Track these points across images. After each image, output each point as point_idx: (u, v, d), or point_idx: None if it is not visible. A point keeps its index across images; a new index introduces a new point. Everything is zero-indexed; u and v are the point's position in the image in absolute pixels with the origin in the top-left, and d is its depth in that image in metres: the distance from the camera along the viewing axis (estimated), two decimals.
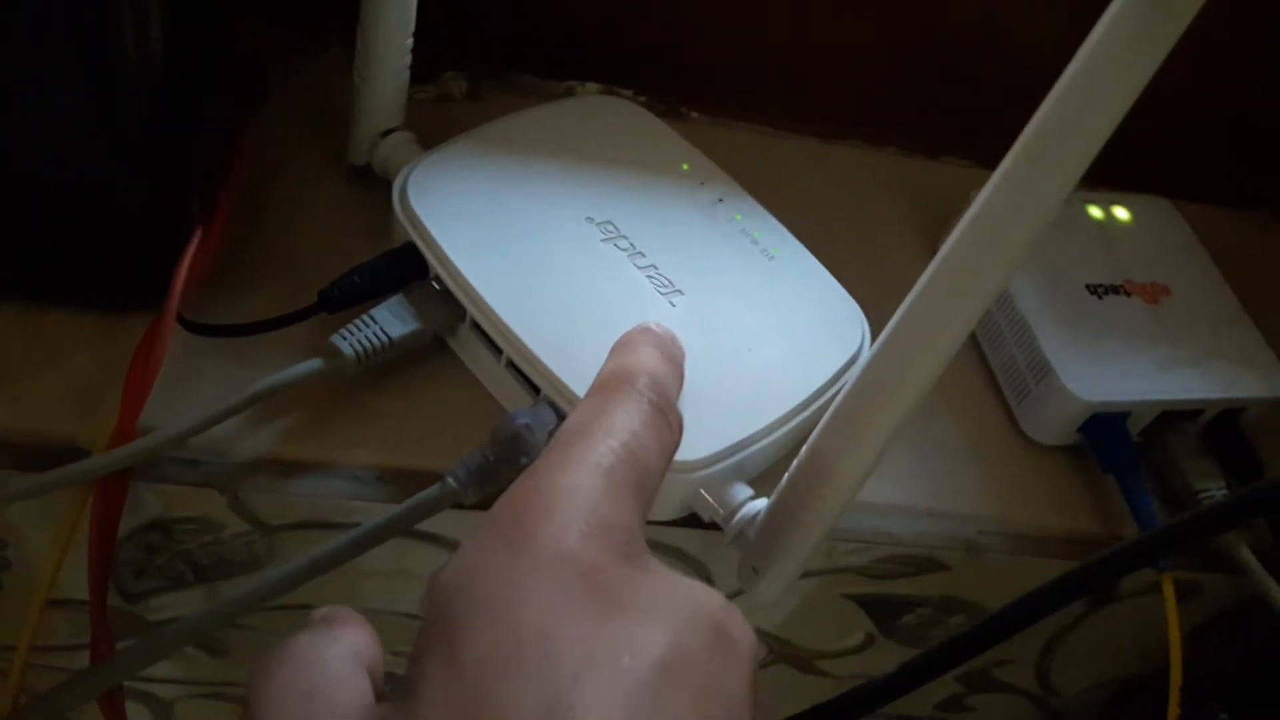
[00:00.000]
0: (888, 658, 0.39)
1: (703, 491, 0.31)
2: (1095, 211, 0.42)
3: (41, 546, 0.31)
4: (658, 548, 0.34)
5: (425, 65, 0.37)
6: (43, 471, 0.28)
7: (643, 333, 0.27)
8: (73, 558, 0.29)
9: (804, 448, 0.27)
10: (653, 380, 0.24)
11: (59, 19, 0.26)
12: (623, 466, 0.20)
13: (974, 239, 0.22)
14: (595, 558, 0.18)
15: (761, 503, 0.30)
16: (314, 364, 0.30)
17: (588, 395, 0.24)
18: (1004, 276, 0.22)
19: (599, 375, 0.25)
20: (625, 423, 0.21)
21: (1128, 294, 0.40)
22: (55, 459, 0.29)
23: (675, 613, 0.18)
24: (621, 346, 0.27)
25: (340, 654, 0.18)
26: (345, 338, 0.31)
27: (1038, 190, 0.21)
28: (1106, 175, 0.46)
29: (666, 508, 0.31)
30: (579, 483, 0.19)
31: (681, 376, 0.27)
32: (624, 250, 0.34)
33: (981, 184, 0.22)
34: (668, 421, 0.23)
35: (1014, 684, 0.43)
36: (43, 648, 0.35)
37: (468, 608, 0.17)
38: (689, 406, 0.31)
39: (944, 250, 0.22)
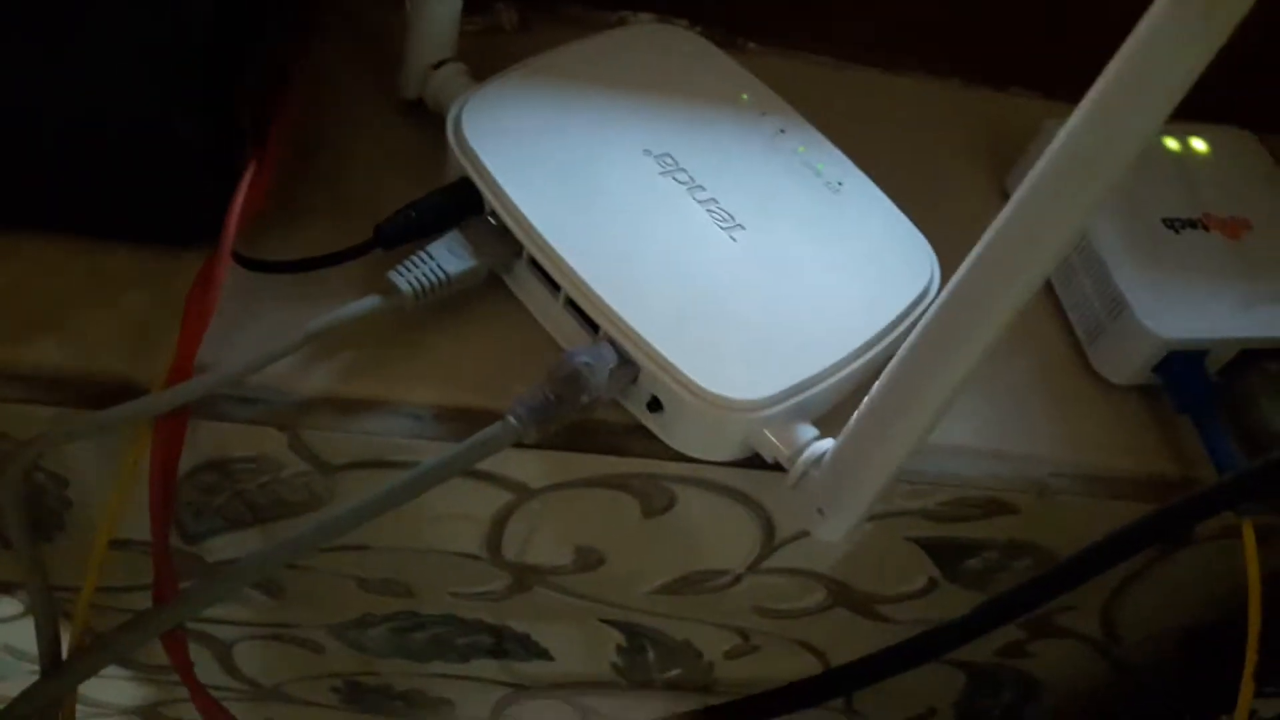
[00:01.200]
0: (950, 602, 0.39)
1: (766, 431, 0.30)
2: (1171, 143, 0.40)
3: (102, 485, 0.31)
4: (719, 489, 0.33)
5: None
6: (100, 409, 0.28)
7: None
8: (134, 500, 0.29)
9: (875, 386, 0.26)
10: None
11: None
12: None
13: (1057, 173, 0.21)
14: None
15: (827, 443, 0.29)
16: (372, 301, 0.30)
17: None
18: (1087, 213, 0.21)
19: None
20: None
21: (1206, 228, 0.38)
22: (112, 397, 0.28)
23: None
24: None
25: None
26: (402, 274, 0.30)
27: (1126, 124, 0.20)
28: (1183, 104, 0.45)
29: (728, 448, 0.31)
30: None
31: None
32: (683, 184, 0.33)
33: (1048, 116, 0.21)
34: None
35: (1077, 630, 0.43)
36: (106, 588, 0.35)
37: None
38: (754, 343, 0.30)
39: (1025, 185, 0.21)
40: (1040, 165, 0.21)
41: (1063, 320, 0.37)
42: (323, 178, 0.34)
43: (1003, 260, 0.22)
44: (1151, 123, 0.19)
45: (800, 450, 0.29)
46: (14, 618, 0.40)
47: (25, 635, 0.40)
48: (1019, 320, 0.31)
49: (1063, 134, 0.20)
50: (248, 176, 0.30)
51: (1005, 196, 0.41)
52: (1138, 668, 0.45)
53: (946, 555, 0.37)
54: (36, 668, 0.30)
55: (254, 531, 0.34)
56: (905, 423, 0.25)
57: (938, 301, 0.24)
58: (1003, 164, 0.41)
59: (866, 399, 0.26)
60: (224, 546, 0.34)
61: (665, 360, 0.29)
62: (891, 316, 0.32)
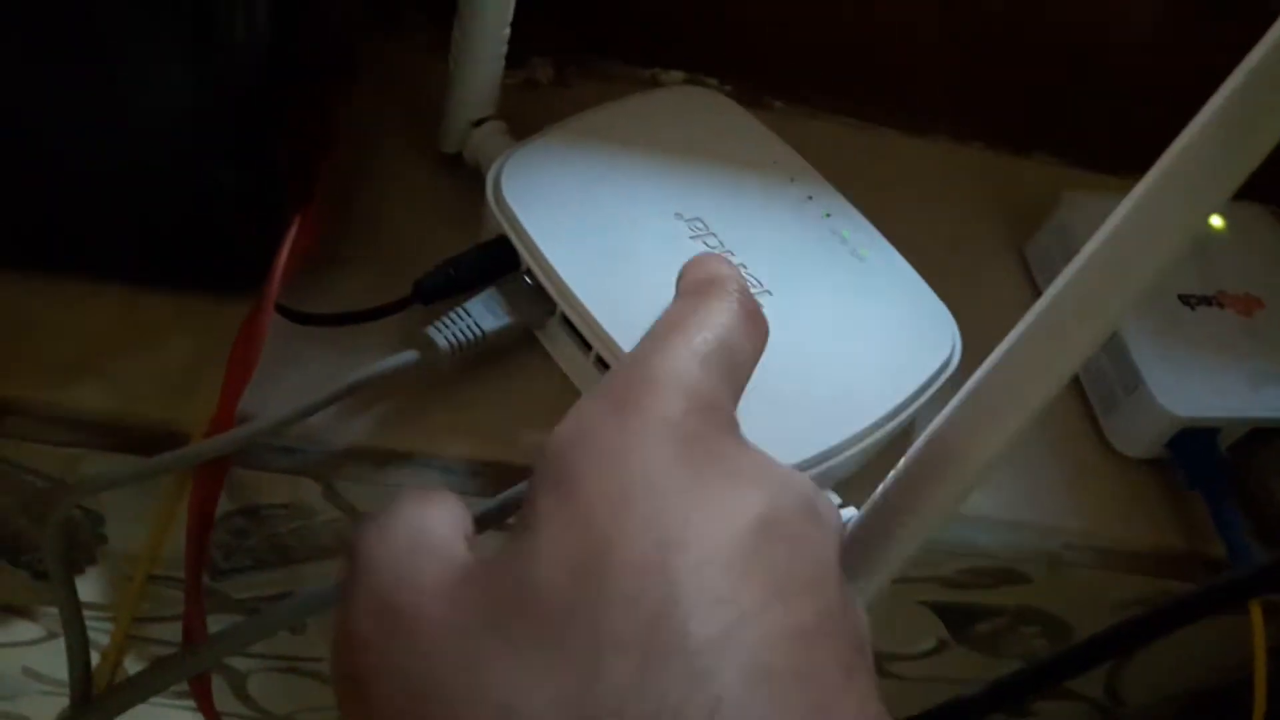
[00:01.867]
0: (958, 663, 0.39)
1: None
2: None
3: (136, 525, 0.32)
4: None
5: (511, 50, 0.36)
6: (140, 455, 0.29)
7: (716, 257, 0.27)
8: (168, 539, 0.30)
9: (904, 459, 0.26)
10: (741, 286, 0.25)
11: (166, 3, 0.26)
12: (717, 355, 0.21)
13: (1101, 266, 0.21)
14: (696, 428, 0.19)
15: (850, 511, 0.30)
16: (409, 355, 0.30)
17: (678, 297, 0.25)
18: (1126, 308, 0.21)
19: (684, 283, 0.25)
20: (719, 318, 0.23)
21: (1221, 305, 0.39)
22: (153, 443, 0.29)
23: (770, 482, 0.19)
24: (699, 262, 0.27)
25: (440, 518, 0.19)
26: (440, 330, 0.31)
27: (1176, 218, 0.20)
28: None
29: None
30: (679, 366, 0.20)
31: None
32: (713, 248, 0.34)
33: (1068, 181, 0.21)
34: (755, 321, 0.24)
35: (1081, 692, 0.43)
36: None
37: (582, 456, 0.18)
38: (777, 411, 0.31)
39: (1065, 275, 0.22)
40: (1087, 249, 0.21)
41: (1079, 393, 0.38)
42: (362, 229, 0.35)
43: (1040, 346, 0.23)
44: (1202, 218, 0.20)
45: None
46: (35, 641, 0.41)
47: (44, 659, 0.41)
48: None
49: (1117, 215, 0.21)
50: (293, 229, 0.31)
51: (1023, 260, 0.42)
52: None
53: (957, 619, 0.37)
54: (49, 689, 0.31)
55: (282, 572, 0.34)
56: (930, 500, 0.26)
57: (969, 384, 0.24)
58: (1023, 230, 0.42)
59: (893, 474, 0.27)
60: (251, 585, 0.35)
61: None
62: (914, 387, 0.32)
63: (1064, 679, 0.29)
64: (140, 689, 0.29)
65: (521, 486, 0.29)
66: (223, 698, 0.45)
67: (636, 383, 0.20)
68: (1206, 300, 0.39)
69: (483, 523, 0.28)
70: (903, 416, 0.32)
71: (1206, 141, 0.19)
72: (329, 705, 0.46)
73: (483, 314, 0.32)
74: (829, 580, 0.19)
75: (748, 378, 0.23)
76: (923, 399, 0.33)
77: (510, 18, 0.33)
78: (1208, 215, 0.20)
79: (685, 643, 0.15)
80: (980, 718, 0.28)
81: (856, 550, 0.29)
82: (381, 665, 0.16)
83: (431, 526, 0.19)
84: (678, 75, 0.44)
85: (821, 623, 0.17)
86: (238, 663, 0.41)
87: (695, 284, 0.25)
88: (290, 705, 0.46)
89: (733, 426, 0.21)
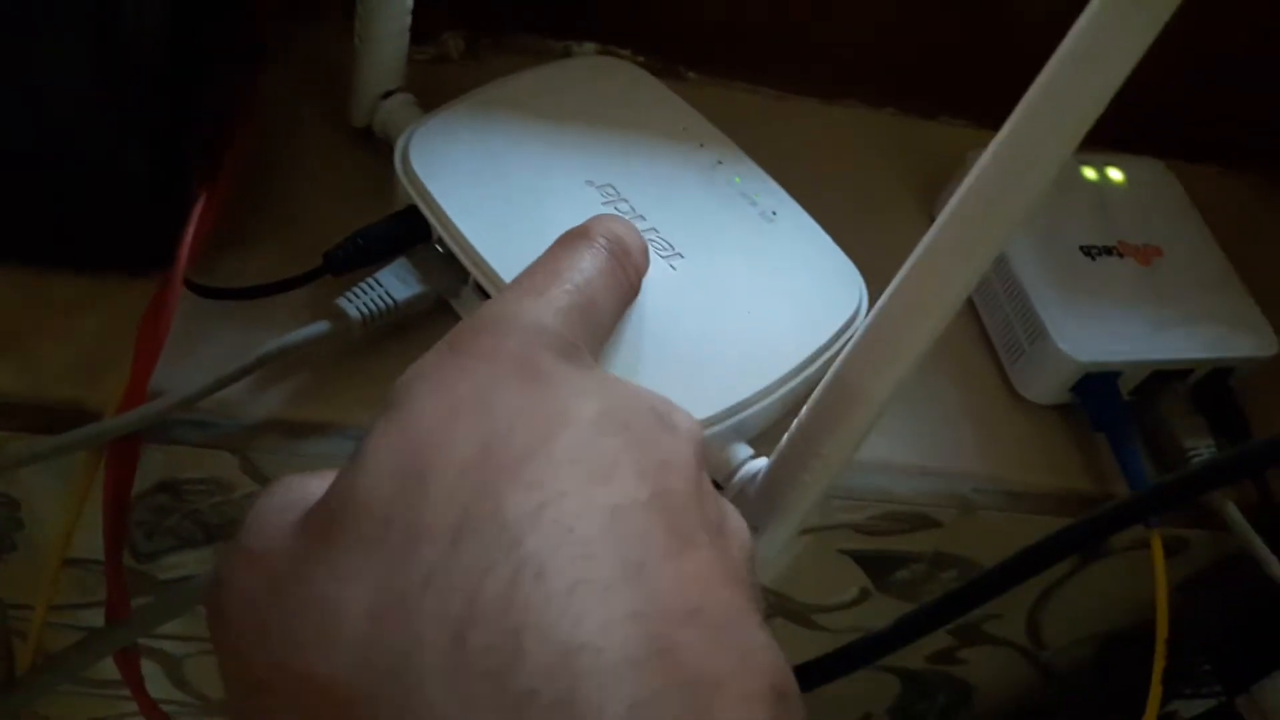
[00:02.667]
0: (882, 611, 0.40)
1: None
2: (1089, 173, 0.43)
3: (53, 507, 0.32)
4: None
5: (422, 25, 0.37)
6: (53, 434, 0.29)
7: (607, 216, 0.28)
8: (85, 518, 0.30)
9: (805, 407, 0.27)
10: (611, 236, 0.26)
11: None
12: (568, 299, 0.23)
13: (975, 202, 0.22)
14: (532, 353, 0.20)
15: (761, 462, 0.31)
16: (321, 326, 0.31)
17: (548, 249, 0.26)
18: (1001, 240, 0.23)
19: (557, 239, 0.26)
20: (578, 265, 0.24)
21: (1120, 255, 0.40)
22: (64, 422, 0.29)
23: (610, 393, 0.20)
24: (586, 222, 0.28)
25: (319, 484, 0.19)
26: (351, 300, 0.31)
27: (1037, 155, 0.21)
28: (1101, 136, 0.47)
29: None
30: (520, 309, 0.22)
31: (642, 241, 0.29)
32: (624, 213, 0.34)
33: (978, 144, 0.22)
34: (622, 267, 0.25)
35: (1004, 637, 0.45)
36: (57, 606, 0.36)
37: (416, 387, 0.19)
38: (690, 368, 0.32)
39: (944, 214, 0.23)
40: (963, 187, 0.22)
41: (986, 343, 0.39)
42: (274, 205, 0.35)
43: (925, 281, 0.24)
44: (1066, 145, 0.21)
45: (736, 469, 0.31)
46: None
47: None
48: (943, 344, 0.33)
49: (987, 155, 0.22)
50: (198, 207, 0.31)
51: (932, 221, 0.43)
52: (1062, 673, 0.47)
53: (877, 567, 0.39)
54: None
55: (206, 550, 0.34)
56: (834, 440, 0.27)
57: (863, 323, 0.25)
58: (931, 191, 0.43)
59: (796, 419, 0.28)
60: (176, 565, 0.35)
61: None
62: (822, 340, 0.33)
63: (971, 608, 0.30)
64: (63, 668, 0.29)
65: None
66: (161, 686, 0.45)
67: (476, 324, 0.21)
68: (1107, 250, 0.40)
69: None
70: (813, 369, 0.33)
71: (1058, 81, 0.20)
72: None
73: (394, 283, 0.32)
74: (675, 475, 0.19)
75: (609, 324, 0.25)
76: (831, 352, 0.33)
77: None
78: (1065, 150, 0.21)
79: (496, 519, 0.16)
80: (891, 651, 0.29)
81: (768, 495, 0.29)
82: (233, 600, 0.17)
83: (308, 490, 0.19)
84: (590, 47, 0.44)
85: (654, 501, 0.18)
86: (171, 647, 0.41)
87: (564, 238, 0.26)
88: None
89: (577, 354, 0.21)
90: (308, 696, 0.16)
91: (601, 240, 0.25)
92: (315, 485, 0.19)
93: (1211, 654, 0.41)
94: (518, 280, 0.24)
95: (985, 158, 0.22)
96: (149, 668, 0.43)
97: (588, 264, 0.24)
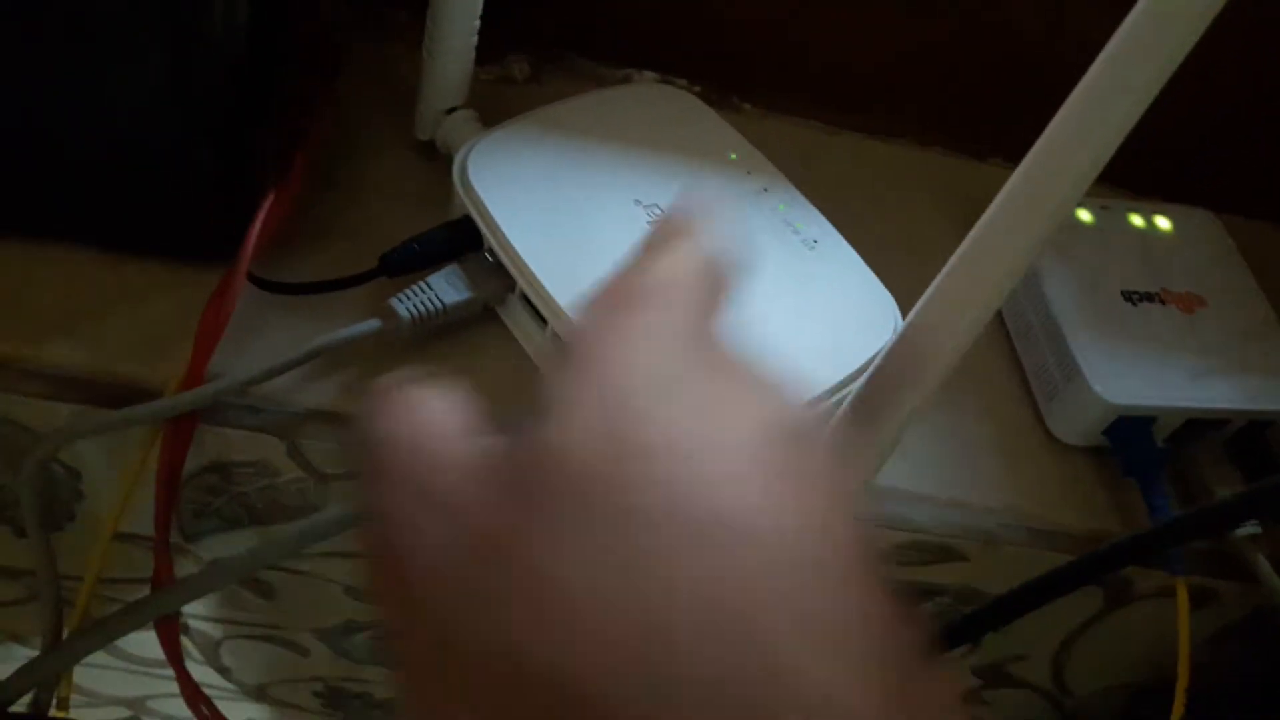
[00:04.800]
0: None
1: None
2: (1137, 220, 0.43)
3: (112, 481, 0.33)
4: None
5: (490, 46, 0.38)
6: (116, 409, 0.30)
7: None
8: (140, 496, 0.32)
9: (833, 421, 0.28)
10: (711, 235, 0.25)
11: None
12: (705, 269, 0.22)
13: (1004, 215, 0.23)
14: (699, 326, 0.20)
15: None
16: (372, 324, 0.32)
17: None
18: (1029, 254, 0.23)
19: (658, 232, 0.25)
20: (698, 246, 0.22)
21: (1163, 302, 0.40)
22: (127, 399, 0.31)
23: (771, 392, 0.20)
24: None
25: (458, 399, 0.19)
26: (402, 301, 0.33)
27: (1049, 190, 0.22)
28: (1156, 186, 0.47)
29: None
30: (675, 273, 0.21)
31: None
32: None
33: None
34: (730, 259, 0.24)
35: (1029, 680, 0.44)
36: (107, 579, 0.38)
37: (601, 349, 0.18)
38: None
39: (975, 229, 0.24)
40: (989, 211, 0.23)
41: (1022, 382, 0.40)
42: (338, 207, 0.37)
43: (951, 300, 0.25)
44: (1085, 176, 0.22)
45: None
46: (14, 603, 0.42)
47: (23, 622, 0.43)
48: (982, 382, 0.33)
49: (1008, 184, 0.23)
50: (266, 204, 0.33)
51: None
52: None
53: (902, 598, 0.39)
54: (33, 652, 0.32)
55: (249, 533, 0.36)
56: (857, 463, 0.28)
57: (883, 350, 0.26)
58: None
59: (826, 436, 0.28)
60: (220, 546, 0.37)
61: None
62: (855, 366, 0.34)
63: (983, 633, 0.30)
64: (107, 631, 0.31)
65: None
66: (197, 668, 0.46)
67: (640, 286, 0.20)
68: (1149, 297, 0.40)
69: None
70: (845, 393, 0.34)
71: (1067, 126, 0.21)
72: (301, 676, 0.47)
73: (444, 288, 0.33)
74: (830, 479, 0.19)
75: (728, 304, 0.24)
76: (864, 377, 0.34)
77: (479, 10, 0.35)
78: (1077, 189, 0.22)
79: (706, 507, 0.16)
80: None
81: None
82: (418, 543, 0.17)
83: (450, 405, 0.19)
84: (651, 76, 0.46)
85: (833, 509, 0.18)
86: (210, 629, 0.43)
87: (666, 227, 0.25)
88: (264, 675, 0.47)
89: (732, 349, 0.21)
90: (532, 690, 0.15)
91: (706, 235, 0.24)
92: (457, 410, 0.18)
93: (1240, 707, 0.40)
94: (655, 240, 0.22)
95: (1009, 184, 0.23)
96: (188, 649, 0.44)
97: (704, 249, 0.23)
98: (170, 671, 0.35)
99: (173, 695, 0.38)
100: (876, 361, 0.27)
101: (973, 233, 0.24)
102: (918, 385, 0.26)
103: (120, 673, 0.47)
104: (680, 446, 0.17)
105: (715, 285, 0.22)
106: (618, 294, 0.20)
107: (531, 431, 0.17)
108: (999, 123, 0.47)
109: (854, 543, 0.18)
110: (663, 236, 0.23)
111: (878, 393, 0.27)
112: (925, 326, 0.25)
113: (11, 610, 0.42)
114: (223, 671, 0.46)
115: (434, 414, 0.18)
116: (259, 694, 0.49)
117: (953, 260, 0.25)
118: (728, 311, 0.23)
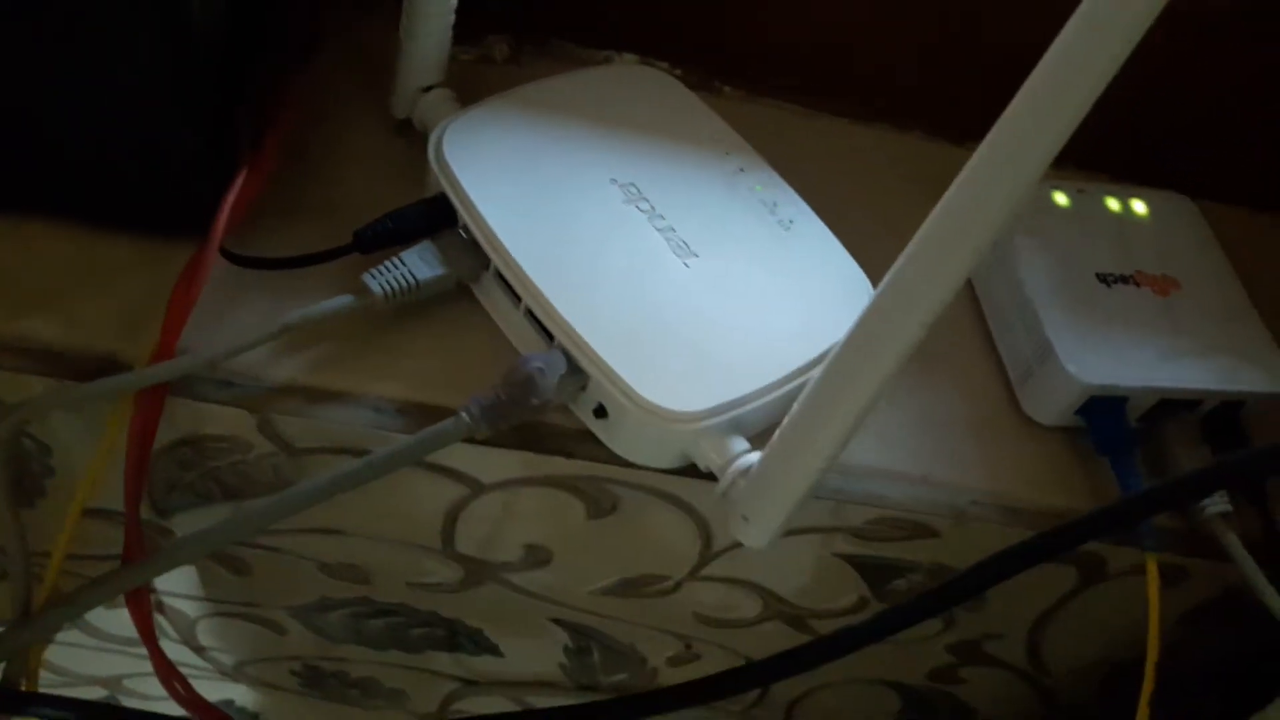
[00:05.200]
0: None
1: (701, 441, 0.32)
2: (1113, 204, 0.43)
3: (83, 455, 0.33)
4: (659, 495, 0.35)
5: (469, 26, 0.38)
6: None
7: None
8: (111, 472, 0.32)
9: (797, 401, 0.28)
10: None
11: None
12: None
13: (961, 199, 0.23)
14: None
15: (756, 455, 0.31)
16: (345, 300, 0.32)
17: None
18: (988, 237, 0.23)
19: None
20: None
21: (1137, 284, 0.40)
22: (101, 373, 0.31)
23: None
24: None
25: None
26: (375, 277, 0.33)
27: (1010, 169, 0.22)
28: (1133, 171, 0.47)
29: (667, 456, 0.33)
30: None
31: None
32: (644, 212, 0.36)
33: None
34: None
35: (1005, 659, 0.45)
36: (78, 555, 0.38)
37: None
38: (693, 361, 0.33)
39: (935, 212, 0.24)
40: (948, 192, 0.23)
41: (997, 363, 0.40)
42: (313, 184, 0.37)
43: (910, 283, 0.25)
44: (1041, 159, 0.22)
45: (731, 460, 0.32)
46: None
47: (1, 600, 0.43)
48: (955, 362, 0.34)
49: (969, 164, 0.23)
50: (240, 179, 0.33)
51: None
52: (1066, 701, 0.47)
53: (875, 575, 0.39)
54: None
55: (221, 508, 0.36)
56: (822, 435, 0.28)
57: (853, 322, 0.26)
58: None
59: (789, 413, 0.29)
60: (192, 521, 0.37)
61: (612, 371, 0.31)
62: (826, 344, 0.34)
63: (948, 606, 0.30)
64: (78, 604, 0.31)
65: (377, 454, 0.30)
66: (174, 648, 0.46)
67: None
68: (1124, 279, 0.40)
69: (338, 486, 0.29)
70: (815, 371, 0.34)
71: (1022, 112, 0.21)
72: (277, 654, 0.47)
73: (418, 264, 0.33)
74: None
75: None
76: None
77: None
78: (1033, 173, 0.22)
79: None
80: (866, 644, 0.30)
81: (759, 484, 0.30)
82: None
83: None
84: (631, 58, 0.46)
85: None
86: (186, 606, 0.43)
87: None
88: (240, 654, 0.47)
89: None
90: None
91: None
92: None
93: (1212, 686, 0.41)
94: None
95: (969, 163, 0.23)
96: (164, 627, 0.44)
97: None
98: (146, 650, 0.36)
99: (149, 674, 0.38)
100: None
101: (931, 218, 0.24)
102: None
103: (94, 651, 0.47)
104: None
105: None
106: None
107: None
108: (977, 107, 0.47)
109: None
110: None
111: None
112: (888, 306, 0.25)
113: None
114: (199, 651, 0.46)
115: None
116: (236, 673, 0.49)
117: (907, 252, 0.25)
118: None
